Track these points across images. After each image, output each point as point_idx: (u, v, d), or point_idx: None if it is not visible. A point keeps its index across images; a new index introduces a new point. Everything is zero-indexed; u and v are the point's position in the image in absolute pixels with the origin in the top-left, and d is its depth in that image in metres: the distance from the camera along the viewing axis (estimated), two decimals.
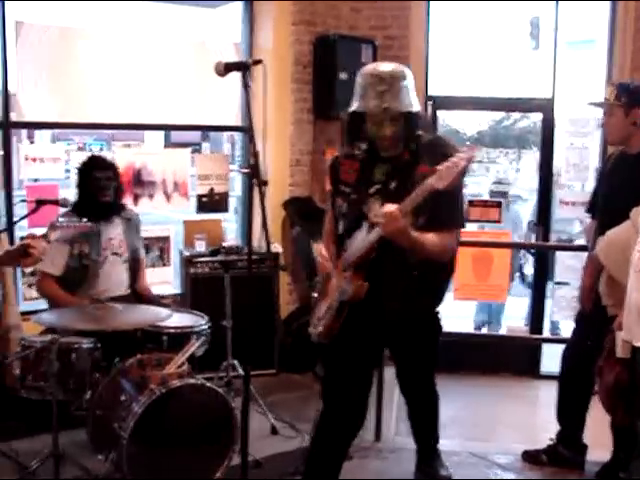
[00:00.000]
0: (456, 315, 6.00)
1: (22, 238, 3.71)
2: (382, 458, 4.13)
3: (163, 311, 3.67)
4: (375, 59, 5.38)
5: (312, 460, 3.30)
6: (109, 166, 4.33)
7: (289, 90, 5.57)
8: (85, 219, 3.33)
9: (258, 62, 2.74)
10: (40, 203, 3.75)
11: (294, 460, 3.78)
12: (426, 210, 2.84)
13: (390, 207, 2.76)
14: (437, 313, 3.40)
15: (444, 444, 3.87)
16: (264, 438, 4.23)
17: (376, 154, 3.11)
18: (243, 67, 2.70)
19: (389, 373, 3.87)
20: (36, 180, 5.19)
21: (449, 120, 9.56)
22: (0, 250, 2.81)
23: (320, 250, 3.26)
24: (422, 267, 3.01)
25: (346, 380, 3.16)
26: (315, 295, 3.33)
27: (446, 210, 2.94)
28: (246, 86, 2.68)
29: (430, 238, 2.90)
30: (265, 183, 2.63)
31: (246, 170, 2.63)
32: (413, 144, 3.05)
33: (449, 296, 4.11)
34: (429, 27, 5.78)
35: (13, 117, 4.87)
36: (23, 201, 4.60)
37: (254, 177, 2.60)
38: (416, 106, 3.02)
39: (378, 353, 3.46)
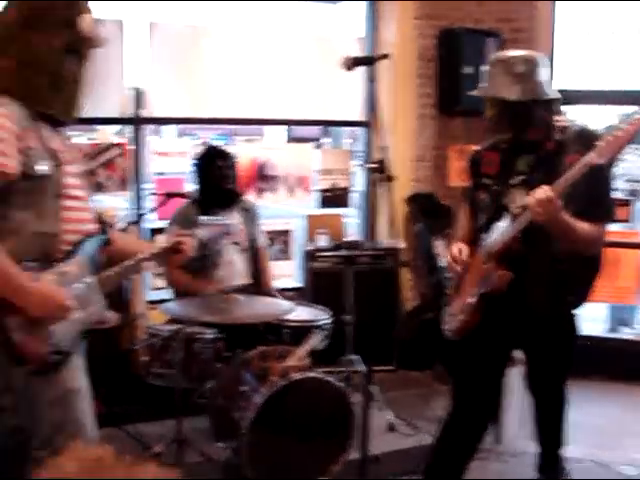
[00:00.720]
0: (584, 317, 5.78)
1: (154, 231, 3.81)
2: (503, 461, 4.04)
3: (285, 305, 3.70)
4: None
5: (437, 459, 3.26)
6: (228, 155, 4.43)
7: (413, 85, 5.50)
8: (224, 217, 3.37)
9: (385, 56, 2.73)
10: (168, 196, 3.86)
11: (412, 458, 3.75)
12: (575, 198, 2.71)
13: (543, 190, 2.66)
14: (574, 314, 3.26)
15: (567, 450, 3.74)
16: (381, 434, 4.21)
17: (519, 145, 3.00)
18: (370, 61, 2.68)
19: (512, 375, 3.77)
20: (162, 174, 5.35)
21: (575, 115, 9.24)
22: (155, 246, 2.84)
23: (452, 248, 3.18)
24: (569, 262, 2.89)
25: (479, 378, 3.10)
26: (448, 292, 3.28)
27: (596, 200, 2.82)
28: (372, 80, 2.65)
29: (581, 225, 2.77)
30: (391, 178, 2.60)
31: (374, 165, 2.61)
32: (559, 133, 2.94)
33: None
34: (555, 19, 5.59)
35: (143, 113, 5.04)
36: (153, 194, 4.75)
37: (381, 172, 2.57)
38: (520, 93, 2.89)
39: (511, 350, 3.34)
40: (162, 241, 2.83)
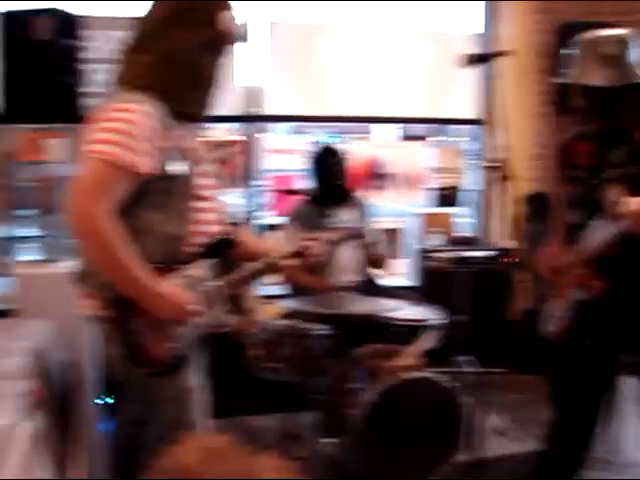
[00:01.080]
0: None
1: (270, 227, 3.88)
2: (618, 472, 3.90)
3: (397, 303, 3.69)
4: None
5: (544, 467, 3.18)
6: (339, 152, 4.47)
7: (531, 82, 5.38)
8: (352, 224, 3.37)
9: (504, 53, 2.66)
10: (286, 193, 3.91)
11: (522, 463, 3.67)
12: None
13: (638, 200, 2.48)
14: None
15: None
16: (491, 438, 4.14)
17: (611, 134, 2.82)
18: (489, 58, 2.64)
19: (628, 384, 3.63)
20: (272, 171, 5.43)
21: None
22: (253, 235, 2.86)
23: (542, 255, 3.05)
24: None
25: (582, 384, 3.00)
26: (549, 293, 3.19)
27: None
28: (491, 78, 2.61)
29: None
30: (509, 178, 2.55)
31: (491, 164, 2.57)
32: None
33: None
34: None
35: (259, 111, 5.13)
36: (270, 191, 4.83)
37: (499, 171, 2.53)
38: (608, 78, 2.70)
39: (616, 358, 3.22)
40: (288, 243, 2.79)
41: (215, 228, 2.47)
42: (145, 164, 2.20)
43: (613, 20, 5.24)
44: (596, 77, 2.69)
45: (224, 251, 2.49)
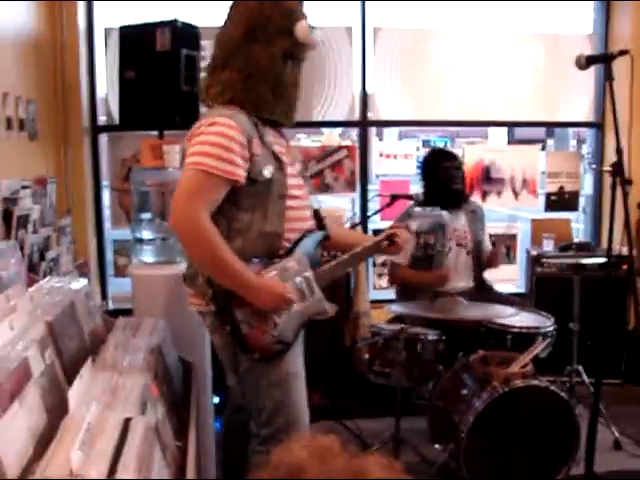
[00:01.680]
0: None
1: (375, 232, 3.90)
2: None
3: (508, 309, 3.63)
4: None
5: None
6: (454, 156, 4.44)
7: None
8: (437, 208, 3.38)
9: (624, 52, 2.58)
10: (394, 198, 3.91)
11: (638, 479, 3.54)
12: None
13: None
14: None
15: None
16: (606, 451, 3.98)
17: None
18: (607, 59, 2.57)
19: None
20: (386, 175, 5.44)
21: None
22: (370, 239, 2.95)
23: None
24: None
25: None
26: None
27: None
28: (610, 79, 2.55)
29: None
30: (629, 182, 2.47)
31: (608, 168, 2.50)
32: None
33: None
34: None
35: (369, 116, 5.16)
36: (378, 195, 4.84)
37: (617, 176, 2.46)
38: None
39: None
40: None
41: (307, 223, 2.66)
42: (236, 171, 2.40)
43: None
44: None
45: (316, 244, 2.67)
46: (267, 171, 2.49)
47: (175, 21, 3.66)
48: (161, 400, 2.26)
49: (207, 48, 4.68)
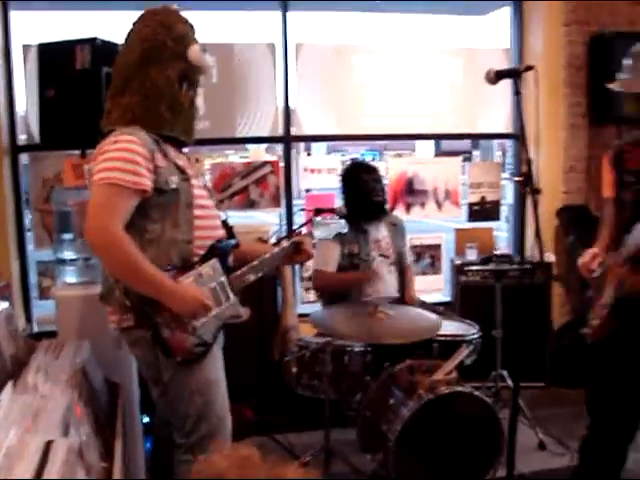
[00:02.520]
0: None
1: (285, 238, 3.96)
2: None
3: (434, 321, 3.65)
4: None
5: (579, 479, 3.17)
6: (373, 169, 4.48)
7: (562, 94, 5.37)
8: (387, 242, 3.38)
9: (530, 68, 2.69)
10: (318, 212, 3.96)
11: (562, 478, 3.64)
12: None
13: None
14: None
15: None
16: (531, 452, 4.12)
17: None
18: (514, 74, 2.67)
19: None
20: (307, 191, 5.49)
21: None
22: (277, 247, 3.07)
23: (586, 256, 3.07)
24: None
25: (617, 389, 2.98)
26: (590, 295, 3.19)
27: None
28: (517, 93, 2.64)
29: None
30: (538, 191, 2.57)
31: (518, 178, 2.59)
32: None
33: None
34: None
35: (293, 131, 5.21)
36: (302, 210, 4.88)
37: (527, 185, 2.55)
38: None
39: None
40: (322, 258, 2.99)
41: (218, 232, 2.80)
42: (142, 181, 2.51)
43: None
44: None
45: (228, 251, 2.79)
46: (173, 181, 2.61)
47: (95, 39, 3.66)
48: (85, 421, 2.24)
49: None
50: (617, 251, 2.96)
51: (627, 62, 2.93)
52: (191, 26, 2.79)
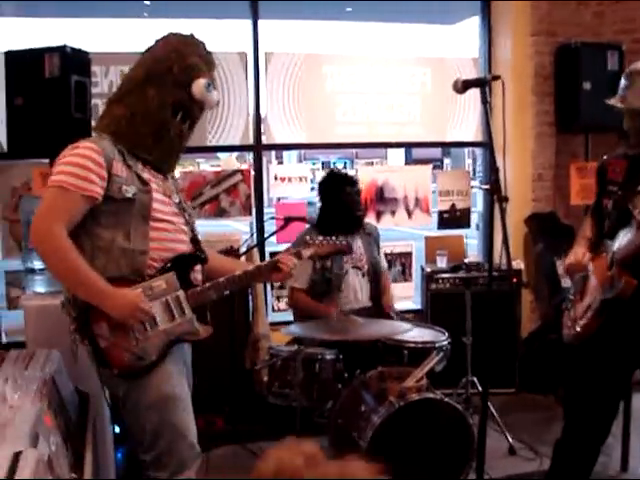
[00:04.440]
0: None
1: (272, 254, 3.95)
2: None
3: (403, 325, 3.72)
4: (622, 66, 5.10)
5: None
6: (355, 181, 4.48)
7: (530, 103, 5.45)
8: (341, 238, 3.34)
9: (496, 78, 2.72)
10: (288, 220, 3.96)
11: None
12: None
13: None
14: None
15: None
16: (501, 458, 4.15)
17: None
18: (481, 83, 2.70)
19: (637, 400, 3.64)
20: (279, 199, 5.50)
21: None
22: (252, 265, 3.02)
23: (577, 254, 3.15)
24: None
25: (595, 390, 3.03)
26: (571, 297, 3.24)
27: None
28: (485, 102, 2.68)
29: None
30: (506, 199, 2.60)
31: (486, 186, 2.62)
32: None
33: None
34: None
35: (264, 140, 5.22)
36: (272, 218, 4.89)
37: (495, 193, 2.58)
38: None
39: (631, 368, 3.20)
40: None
41: (180, 247, 2.71)
42: (91, 188, 2.49)
43: (613, 39, 5.35)
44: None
45: (190, 267, 2.72)
46: (128, 191, 2.57)
47: (64, 47, 3.63)
48: (55, 431, 2.23)
49: (98, 74, 4.67)
50: (599, 255, 3.04)
51: (625, 78, 3.04)
52: (208, 60, 2.77)
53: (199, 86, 2.67)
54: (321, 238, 3.16)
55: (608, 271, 2.96)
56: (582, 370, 3.12)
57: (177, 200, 2.80)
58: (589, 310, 3.04)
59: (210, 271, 2.86)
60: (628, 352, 3.01)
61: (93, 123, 4.03)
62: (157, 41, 2.74)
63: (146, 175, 2.67)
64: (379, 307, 4.44)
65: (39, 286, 3.50)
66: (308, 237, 3.83)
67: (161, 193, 2.70)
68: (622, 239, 2.92)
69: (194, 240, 2.80)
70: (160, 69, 2.65)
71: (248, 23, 5.09)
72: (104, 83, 4.75)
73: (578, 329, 3.09)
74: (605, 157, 3.26)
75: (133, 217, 2.59)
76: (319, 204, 4.44)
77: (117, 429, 3.66)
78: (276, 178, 5.32)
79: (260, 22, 5.10)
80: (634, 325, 2.96)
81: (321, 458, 1.07)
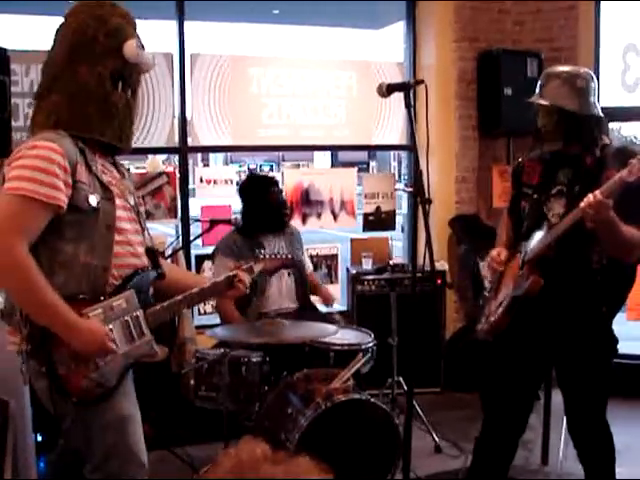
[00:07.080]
0: (631, 337, 5.68)
1: (198, 257, 3.90)
2: None
3: (329, 327, 3.74)
4: (541, 73, 5.24)
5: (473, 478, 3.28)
6: (276, 182, 4.52)
7: (453, 107, 5.56)
8: (270, 237, 3.28)
9: (420, 82, 2.76)
10: (213, 223, 3.94)
11: (456, 479, 3.75)
12: (614, 205, 2.71)
13: (593, 194, 2.67)
14: (612, 331, 3.13)
15: (616, 473, 3.67)
16: (427, 456, 4.22)
17: (561, 157, 3.08)
18: (405, 87, 2.74)
19: (557, 396, 3.73)
20: (208, 201, 5.47)
21: (625, 132, 9.15)
22: (179, 268, 2.92)
23: (492, 251, 3.24)
24: (603, 272, 2.95)
25: (508, 385, 3.12)
26: (486, 294, 3.33)
27: (635, 205, 2.81)
28: (409, 106, 2.71)
29: (628, 228, 2.79)
30: (429, 201, 2.64)
31: (410, 189, 2.66)
32: (597, 149, 3.00)
33: (621, 316, 3.89)
34: (599, 37, 5.58)
35: (189, 142, 5.18)
36: (198, 221, 4.85)
37: (418, 196, 2.62)
38: (579, 107, 2.98)
39: (545, 364, 3.27)
40: (217, 274, 2.78)
41: (139, 260, 2.50)
42: (58, 196, 2.23)
43: (533, 47, 5.51)
44: (569, 103, 2.98)
45: (148, 283, 2.52)
46: (93, 200, 2.33)
47: None
48: None
49: (18, 73, 4.56)
50: (514, 256, 3.14)
51: (542, 79, 3.14)
52: (130, 20, 2.51)
53: (131, 48, 2.42)
54: (263, 252, 3.14)
55: (519, 270, 3.07)
56: (496, 366, 3.22)
57: (132, 202, 2.55)
58: (500, 307, 3.15)
59: (168, 284, 2.66)
60: (538, 348, 3.11)
61: (13, 123, 3.97)
62: (66, 16, 2.46)
63: (106, 178, 2.43)
64: (305, 309, 4.46)
65: None
66: (233, 243, 3.83)
67: (122, 198, 2.48)
68: (533, 240, 3.04)
69: (149, 251, 2.58)
70: (84, 41, 2.39)
71: (174, 24, 5.04)
72: (25, 82, 4.62)
73: (488, 325, 3.19)
74: (520, 159, 3.35)
75: (97, 229, 2.35)
76: (242, 207, 4.43)
77: (39, 437, 3.58)
78: (202, 180, 5.29)
79: (186, 23, 5.06)
80: (543, 322, 3.07)
81: (282, 455, 1.07)
